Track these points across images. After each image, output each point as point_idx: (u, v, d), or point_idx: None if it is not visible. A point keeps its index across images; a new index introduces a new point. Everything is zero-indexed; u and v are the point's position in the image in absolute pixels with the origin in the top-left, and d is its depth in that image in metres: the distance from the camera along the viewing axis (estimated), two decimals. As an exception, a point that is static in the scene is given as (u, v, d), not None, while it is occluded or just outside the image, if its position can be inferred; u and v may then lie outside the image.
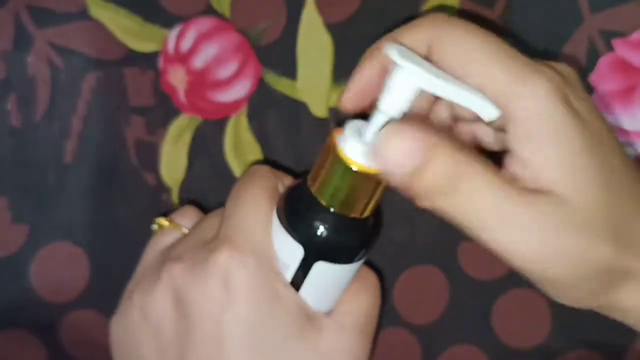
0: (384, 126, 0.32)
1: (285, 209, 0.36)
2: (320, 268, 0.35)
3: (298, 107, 0.44)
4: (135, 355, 0.37)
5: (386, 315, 0.46)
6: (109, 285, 0.45)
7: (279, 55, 0.44)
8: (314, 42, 0.44)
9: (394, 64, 0.31)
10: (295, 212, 0.35)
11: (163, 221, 0.40)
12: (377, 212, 0.36)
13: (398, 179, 0.31)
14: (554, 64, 0.32)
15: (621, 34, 0.44)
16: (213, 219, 0.38)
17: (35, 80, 0.43)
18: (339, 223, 0.34)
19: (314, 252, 0.35)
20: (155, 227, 0.40)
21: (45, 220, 0.44)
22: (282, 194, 0.37)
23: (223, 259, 0.34)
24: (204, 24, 0.43)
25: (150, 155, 0.44)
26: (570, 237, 0.30)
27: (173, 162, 0.44)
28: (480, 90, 0.31)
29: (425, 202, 0.31)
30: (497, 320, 0.47)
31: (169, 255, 0.37)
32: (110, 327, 0.39)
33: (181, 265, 0.35)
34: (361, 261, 0.37)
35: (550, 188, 0.30)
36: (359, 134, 0.33)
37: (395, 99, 0.32)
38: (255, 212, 0.36)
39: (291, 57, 0.44)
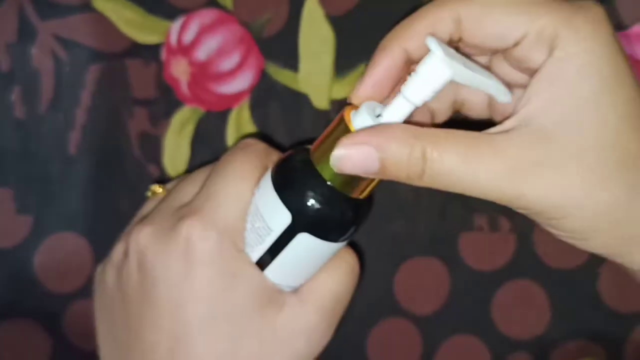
0: (404, 114, 0.32)
1: (280, 173, 0.35)
2: (303, 240, 0.34)
3: (300, 99, 0.45)
4: (110, 316, 0.37)
5: (387, 306, 0.47)
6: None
7: (281, 47, 0.44)
8: (315, 35, 0.44)
9: (431, 53, 0.31)
10: (291, 178, 0.34)
11: (157, 188, 0.40)
12: (370, 195, 0.36)
13: (373, 177, 0.32)
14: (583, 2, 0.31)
15: (621, 27, 0.44)
16: (194, 181, 0.38)
17: (40, 72, 0.43)
18: (333, 199, 0.34)
19: (302, 222, 0.34)
20: (148, 193, 0.40)
21: (50, 211, 0.45)
22: (280, 158, 0.36)
23: (186, 228, 0.34)
24: (207, 16, 0.44)
25: (153, 147, 0.45)
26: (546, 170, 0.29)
27: (176, 153, 0.45)
28: (524, 38, 0.30)
29: (414, 184, 0.31)
30: (497, 311, 0.47)
31: (143, 219, 0.37)
32: (94, 283, 0.39)
33: (148, 229, 0.35)
34: (345, 242, 0.36)
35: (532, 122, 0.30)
36: (374, 114, 0.32)
37: (423, 88, 0.31)
38: (234, 188, 0.35)
39: (293, 49, 0.44)
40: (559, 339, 0.47)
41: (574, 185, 0.30)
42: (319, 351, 0.36)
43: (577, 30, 0.30)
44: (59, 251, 0.45)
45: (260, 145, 0.38)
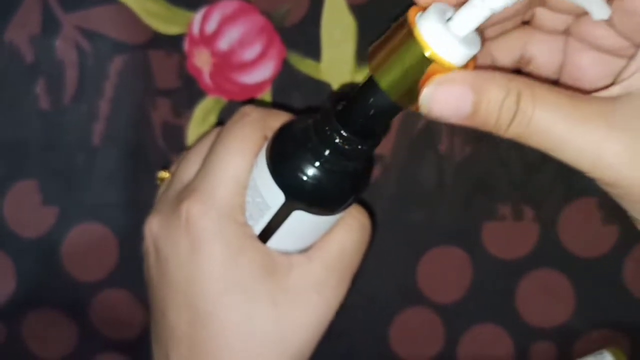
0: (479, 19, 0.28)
1: (274, 148, 0.34)
2: (299, 216, 0.34)
3: (322, 88, 0.45)
4: (150, 304, 0.39)
5: (409, 295, 0.47)
6: (137, 264, 0.46)
7: (303, 36, 0.44)
8: (337, 24, 0.44)
9: None
10: (284, 155, 0.34)
11: (163, 174, 0.41)
12: (369, 161, 0.35)
13: (460, 122, 0.29)
14: None
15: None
16: (192, 160, 0.38)
17: (64, 64, 0.43)
18: (325, 172, 0.32)
19: (295, 201, 0.34)
20: (157, 181, 0.41)
21: (75, 202, 0.45)
22: (277, 130, 0.35)
23: (185, 209, 0.35)
24: (228, 6, 0.44)
25: (176, 137, 0.45)
26: None
27: (199, 143, 0.45)
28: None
29: (499, 133, 0.29)
30: (521, 300, 0.47)
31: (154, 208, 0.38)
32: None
33: (156, 218, 0.37)
34: (344, 212, 0.35)
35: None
36: (443, 18, 0.28)
37: None
38: (229, 164, 0.36)
39: (315, 38, 0.44)
40: (583, 328, 0.47)
41: None
42: (336, 306, 0.37)
43: None
44: (84, 241, 0.45)
45: (256, 114, 0.37)
